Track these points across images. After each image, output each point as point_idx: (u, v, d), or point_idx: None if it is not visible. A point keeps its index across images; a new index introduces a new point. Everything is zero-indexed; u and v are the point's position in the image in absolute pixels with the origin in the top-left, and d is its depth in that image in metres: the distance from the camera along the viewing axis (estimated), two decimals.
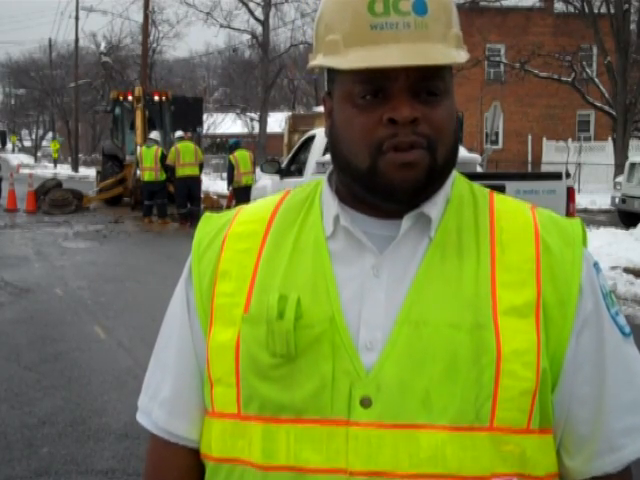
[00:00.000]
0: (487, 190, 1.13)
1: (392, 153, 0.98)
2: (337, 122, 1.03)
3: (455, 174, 1.11)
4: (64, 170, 44.25)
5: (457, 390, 0.96)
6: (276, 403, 1.00)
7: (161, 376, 1.13)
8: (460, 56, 1.00)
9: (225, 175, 20.05)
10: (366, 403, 0.97)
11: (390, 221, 1.04)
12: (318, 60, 1.03)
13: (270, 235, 1.09)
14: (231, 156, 16.68)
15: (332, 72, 1.04)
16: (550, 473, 1.02)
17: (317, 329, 0.99)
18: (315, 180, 1.15)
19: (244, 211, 1.15)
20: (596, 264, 1.08)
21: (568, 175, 8.91)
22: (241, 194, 15.65)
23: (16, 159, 58.19)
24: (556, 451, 1.04)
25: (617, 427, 1.02)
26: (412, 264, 1.02)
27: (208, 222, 1.16)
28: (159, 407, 1.12)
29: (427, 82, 0.98)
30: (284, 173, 11.46)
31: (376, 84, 0.98)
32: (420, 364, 0.97)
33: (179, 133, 17.16)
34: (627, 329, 1.07)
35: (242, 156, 16.49)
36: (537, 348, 0.98)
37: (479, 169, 11.00)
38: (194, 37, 74.95)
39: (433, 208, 1.04)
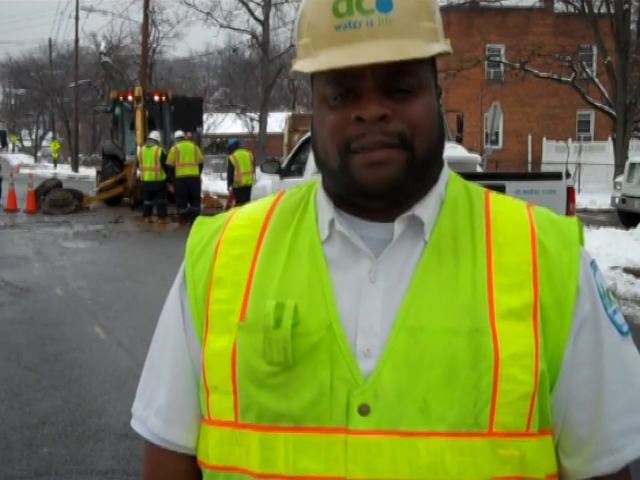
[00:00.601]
0: (483, 190, 1.11)
1: (360, 153, 0.97)
2: (314, 123, 1.04)
3: (450, 174, 1.09)
4: (64, 170, 44.22)
5: (455, 396, 0.95)
6: (274, 412, 0.99)
7: (156, 383, 1.12)
8: (430, 49, 0.97)
9: (225, 175, 20.04)
10: (364, 411, 0.96)
11: (384, 224, 1.03)
12: (295, 65, 1.03)
13: (265, 239, 1.07)
14: (231, 156, 16.67)
15: (312, 75, 1.03)
16: (550, 474, 1.02)
17: (315, 337, 0.98)
18: (309, 181, 1.13)
19: (238, 215, 1.13)
20: (593, 262, 1.07)
21: (568, 175, 8.92)
22: (241, 194, 15.65)
23: (16, 159, 58.14)
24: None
25: (615, 428, 1.02)
26: (408, 268, 1.01)
27: (201, 227, 1.14)
28: (155, 415, 1.10)
29: (397, 79, 0.96)
30: (284, 173, 11.46)
31: (345, 84, 0.97)
32: (417, 370, 0.96)
33: (179, 133, 17.16)
34: (625, 328, 1.05)
35: (242, 156, 16.49)
36: (535, 351, 0.97)
37: (479, 169, 11.00)
38: (194, 37, 75.00)
39: (425, 211, 1.02)
